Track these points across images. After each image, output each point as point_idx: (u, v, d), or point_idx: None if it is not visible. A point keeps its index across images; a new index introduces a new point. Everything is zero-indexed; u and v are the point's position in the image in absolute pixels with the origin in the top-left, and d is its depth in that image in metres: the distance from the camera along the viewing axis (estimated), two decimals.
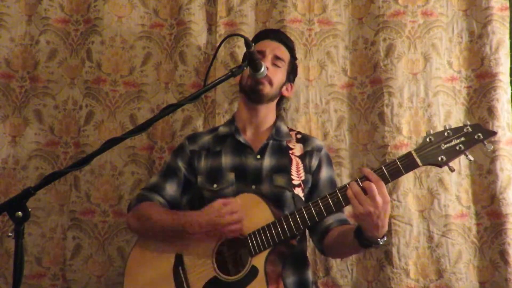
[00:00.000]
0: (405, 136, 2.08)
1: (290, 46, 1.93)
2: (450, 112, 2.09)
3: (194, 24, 2.25)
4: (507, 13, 2.08)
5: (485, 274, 1.99)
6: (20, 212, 1.15)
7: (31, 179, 2.17)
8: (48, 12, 2.26)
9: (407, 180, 2.05)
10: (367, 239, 1.46)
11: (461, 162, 2.05)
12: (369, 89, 2.17)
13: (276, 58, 1.85)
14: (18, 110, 2.23)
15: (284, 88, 1.90)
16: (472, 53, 2.11)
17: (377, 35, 2.16)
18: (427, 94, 2.11)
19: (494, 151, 1.99)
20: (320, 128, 2.18)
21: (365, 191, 1.41)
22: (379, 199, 1.39)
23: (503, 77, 2.04)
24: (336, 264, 2.08)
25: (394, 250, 2.01)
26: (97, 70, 2.23)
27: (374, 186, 1.39)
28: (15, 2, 2.26)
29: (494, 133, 1.48)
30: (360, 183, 1.43)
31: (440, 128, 2.05)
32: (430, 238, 2.02)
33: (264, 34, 1.94)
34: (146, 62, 2.28)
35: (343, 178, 2.13)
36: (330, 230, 1.71)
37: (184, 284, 1.60)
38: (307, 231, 1.84)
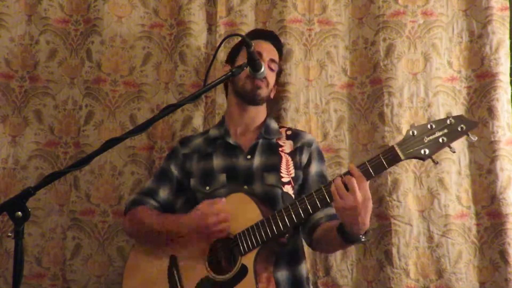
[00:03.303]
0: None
1: (280, 50, 1.97)
2: (450, 112, 2.09)
3: (194, 24, 2.25)
4: (507, 13, 2.08)
5: (485, 274, 1.98)
6: (20, 212, 1.14)
7: (31, 179, 2.17)
8: (48, 12, 2.26)
9: (407, 180, 2.05)
10: (348, 235, 1.47)
11: (461, 162, 2.05)
12: (369, 89, 2.17)
13: (272, 61, 1.87)
14: (18, 110, 2.22)
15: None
16: (472, 53, 2.11)
17: (377, 35, 2.16)
18: (427, 94, 2.11)
19: (494, 151, 1.99)
20: (320, 128, 2.18)
21: (347, 186, 1.41)
22: (359, 194, 1.39)
23: (503, 77, 2.03)
24: (336, 264, 2.07)
25: (394, 250, 2.01)
26: (97, 70, 2.22)
27: (354, 181, 1.40)
28: (15, 2, 2.26)
29: (476, 124, 1.47)
30: (343, 178, 1.44)
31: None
32: (430, 238, 2.02)
33: (260, 34, 1.95)
34: (146, 62, 2.27)
35: None
36: (319, 225, 1.71)
37: (178, 284, 1.62)
38: (300, 227, 1.84)
